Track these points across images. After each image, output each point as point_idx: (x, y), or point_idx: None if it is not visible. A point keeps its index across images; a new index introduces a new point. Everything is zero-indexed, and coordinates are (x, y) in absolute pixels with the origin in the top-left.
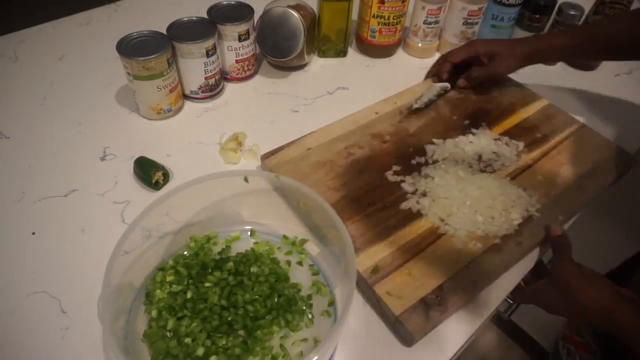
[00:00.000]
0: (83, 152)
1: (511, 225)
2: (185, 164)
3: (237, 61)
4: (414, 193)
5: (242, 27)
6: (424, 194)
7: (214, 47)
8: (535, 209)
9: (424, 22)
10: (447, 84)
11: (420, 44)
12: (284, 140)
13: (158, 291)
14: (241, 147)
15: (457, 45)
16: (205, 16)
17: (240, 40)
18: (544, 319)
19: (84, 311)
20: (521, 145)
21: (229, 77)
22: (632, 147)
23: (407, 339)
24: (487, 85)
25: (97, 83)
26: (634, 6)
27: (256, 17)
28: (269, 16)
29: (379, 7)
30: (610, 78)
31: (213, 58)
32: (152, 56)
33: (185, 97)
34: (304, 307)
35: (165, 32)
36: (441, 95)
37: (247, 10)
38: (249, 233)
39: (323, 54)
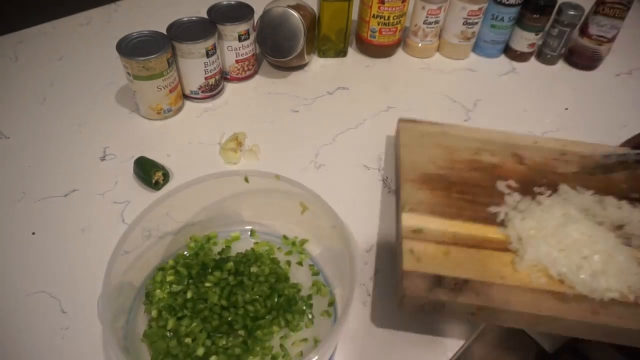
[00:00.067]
0: (83, 152)
1: (600, 290)
2: (185, 164)
3: (237, 61)
4: (513, 208)
5: (242, 27)
6: (520, 212)
7: (214, 47)
8: None
9: (424, 22)
10: None
11: (420, 44)
12: (284, 140)
13: (158, 291)
14: (241, 147)
15: (457, 45)
16: (205, 16)
17: (240, 40)
18: None
19: (84, 311)
20: None
21: (229, 77)
22: None
23: (399, 299)
24: None
25: (97, 83)
26: (634, 7)
27: (256, 17)
28: (269, 16)
29: (379, 7)
30: (610, 78)
31: (213, 58)
32: (152, 56)
33: (185, 97)
34: (304, 307)
35: (165, 32)
36: (629, 163)
37: (247, 10)
38: (249, 233)
39: (323, 54)
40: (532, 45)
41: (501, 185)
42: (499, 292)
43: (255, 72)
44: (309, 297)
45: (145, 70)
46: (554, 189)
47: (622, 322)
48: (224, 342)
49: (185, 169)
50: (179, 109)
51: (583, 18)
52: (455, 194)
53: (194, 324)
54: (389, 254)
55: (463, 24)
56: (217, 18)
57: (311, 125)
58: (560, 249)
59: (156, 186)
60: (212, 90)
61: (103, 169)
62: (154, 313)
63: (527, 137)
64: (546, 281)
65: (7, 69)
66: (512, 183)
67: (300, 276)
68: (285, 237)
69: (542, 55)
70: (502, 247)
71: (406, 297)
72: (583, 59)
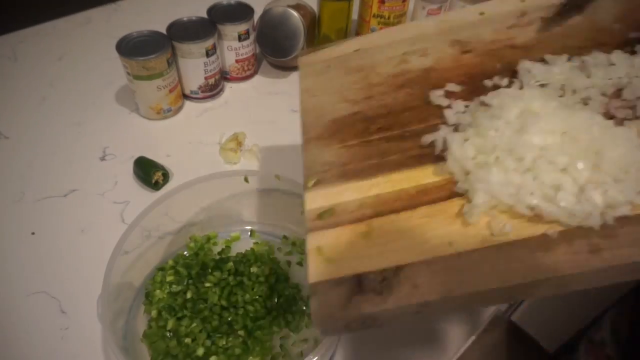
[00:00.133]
0: (83, 152)
1: (596, 213)
2: (185, 164)
3: (237, 61)
4: (454, 128)
5: (242, 27)
6: (463, 131)
7: (214, 47)
8: None
9: None
10: None
11: None
12: (284, 140)
13: (158, 291)
14: (241, 147)
15: None
16: (205, 16)
17: (240, 40)
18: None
19: (83, 311)
20: None
21: (228, 77)
22: None
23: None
24: None
25: (97, 83)
26: None
27: (256, 17)
28: (269, 16)
29: (379, 7)
30: None
31: (213, 58)
32: (152, 56)
33: (185, 97)
34: (304, 308)
35: (165, 32)
36: None
37: (247, 10)
38: (249, 233)
39: None
40: None
41: (436, 96)
42: (448, 270)
43: (255, 72)
44: (309, 297)
45: (145, 70)
46: (512, 73)
47: None
48: (224, 342)
49: (185, 169)
50: (179, 109)
51: None
52: (376, 135)
53: (194, 324)
54: None
55: None
56: (217, 18)
57: None
58: (525, 169)
59: (156, 186)
60: (212, 90)
61: (103, 169)
62: (153, 313)
63: (469, 10)
64: (514, 226)
65: (6, 69)
66: (451, 87)
67: (300, 276)
68: (285, 237)
69: None
70: (445, 194)
71: (317, 322)
72: None
